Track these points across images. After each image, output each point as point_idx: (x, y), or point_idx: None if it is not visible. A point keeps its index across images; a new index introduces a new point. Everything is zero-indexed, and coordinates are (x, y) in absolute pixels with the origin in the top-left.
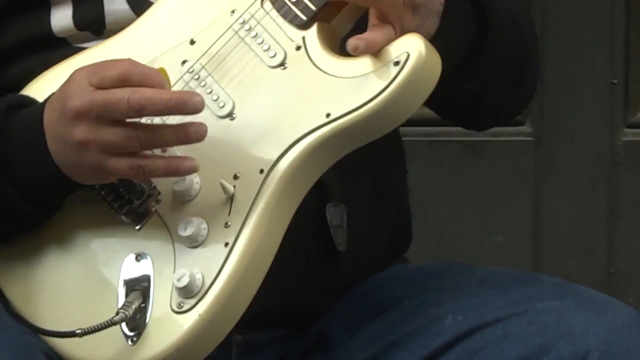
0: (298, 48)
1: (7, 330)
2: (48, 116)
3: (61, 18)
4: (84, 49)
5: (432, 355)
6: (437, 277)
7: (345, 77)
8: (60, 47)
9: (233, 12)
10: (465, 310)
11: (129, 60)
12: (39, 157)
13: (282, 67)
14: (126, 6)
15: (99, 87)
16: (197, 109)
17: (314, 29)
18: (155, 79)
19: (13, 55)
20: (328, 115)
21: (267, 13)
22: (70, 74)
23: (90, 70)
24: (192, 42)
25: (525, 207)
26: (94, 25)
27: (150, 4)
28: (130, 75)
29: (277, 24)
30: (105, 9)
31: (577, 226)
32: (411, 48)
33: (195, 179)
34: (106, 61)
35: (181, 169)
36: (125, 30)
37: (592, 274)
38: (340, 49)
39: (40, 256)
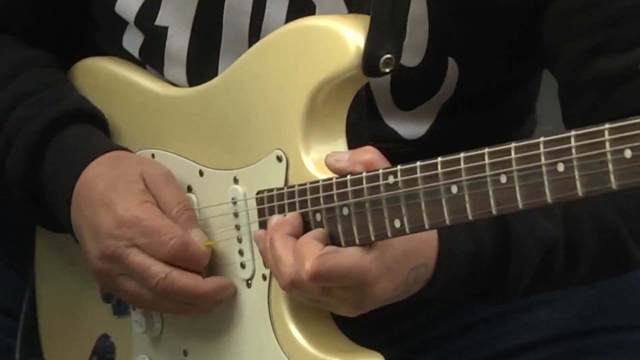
0: (264, 277)
1: None
2: (81, 198)
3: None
4: None
5: (519, 349)
6: None
7: (284, 354)
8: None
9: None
10: (560, 306)
11: (183, 239)
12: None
13: (247, 285)
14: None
15: (138, 247)
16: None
17: None
18: (200, 264)
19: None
20: None
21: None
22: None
23: (140, 228)
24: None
25: None
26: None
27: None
28: (179, 258)
29: None
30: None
31: None
32: None
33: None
34: (159, 228)
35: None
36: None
37: None
38: None
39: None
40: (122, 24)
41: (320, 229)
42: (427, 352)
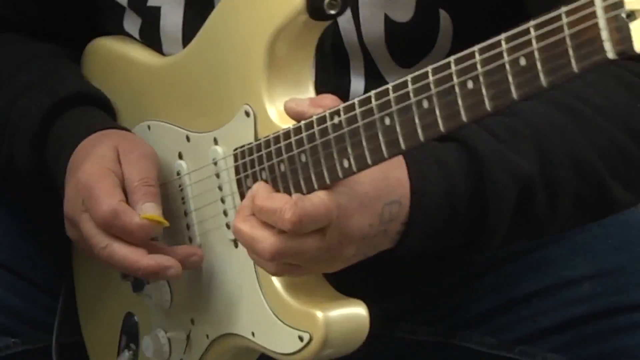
0: None
1: None
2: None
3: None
4: None
5: (564, 325)
6: None
7: (270, 310)
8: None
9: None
10: (604, 282)
11: (114, 207)
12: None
13: (235, 245)
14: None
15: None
16: (169, 279)
17: None
18: (134, 235)
19: None
20: (253, 334)
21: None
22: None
23: (87, 192)
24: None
25: None
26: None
27: None
28: (110, 226)
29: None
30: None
31: None
32: (314, 330)
33: (166, 296)
34: (99, 193)
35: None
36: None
37: None
38: None
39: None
40: (119, 8)
41: (261, 182)
42: (471, 329)
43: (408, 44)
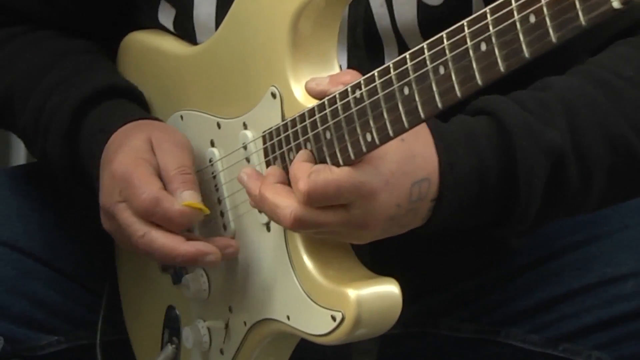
0: None
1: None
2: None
3: None
4: None
5: (607, 322)
6: (605, 224)
7: (303, 291)
8: None
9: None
10: None
11: (156, 195)
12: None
13: (267, 228)
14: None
15: (126, 203)
16: (208, 266)
17: None
18: (174, 222)
19: None
20: (288, 317)
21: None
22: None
23: (124, 182)
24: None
25: None
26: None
27: None
28: (152, 214)
29: None
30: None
31: None
32: (346, 308)
33: (204, 286)
34: (138, 182)
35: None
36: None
37: None
38: None
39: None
40: (154, 0)
41: (304, 150)
42: (515, 326)
43: (441, 28)
